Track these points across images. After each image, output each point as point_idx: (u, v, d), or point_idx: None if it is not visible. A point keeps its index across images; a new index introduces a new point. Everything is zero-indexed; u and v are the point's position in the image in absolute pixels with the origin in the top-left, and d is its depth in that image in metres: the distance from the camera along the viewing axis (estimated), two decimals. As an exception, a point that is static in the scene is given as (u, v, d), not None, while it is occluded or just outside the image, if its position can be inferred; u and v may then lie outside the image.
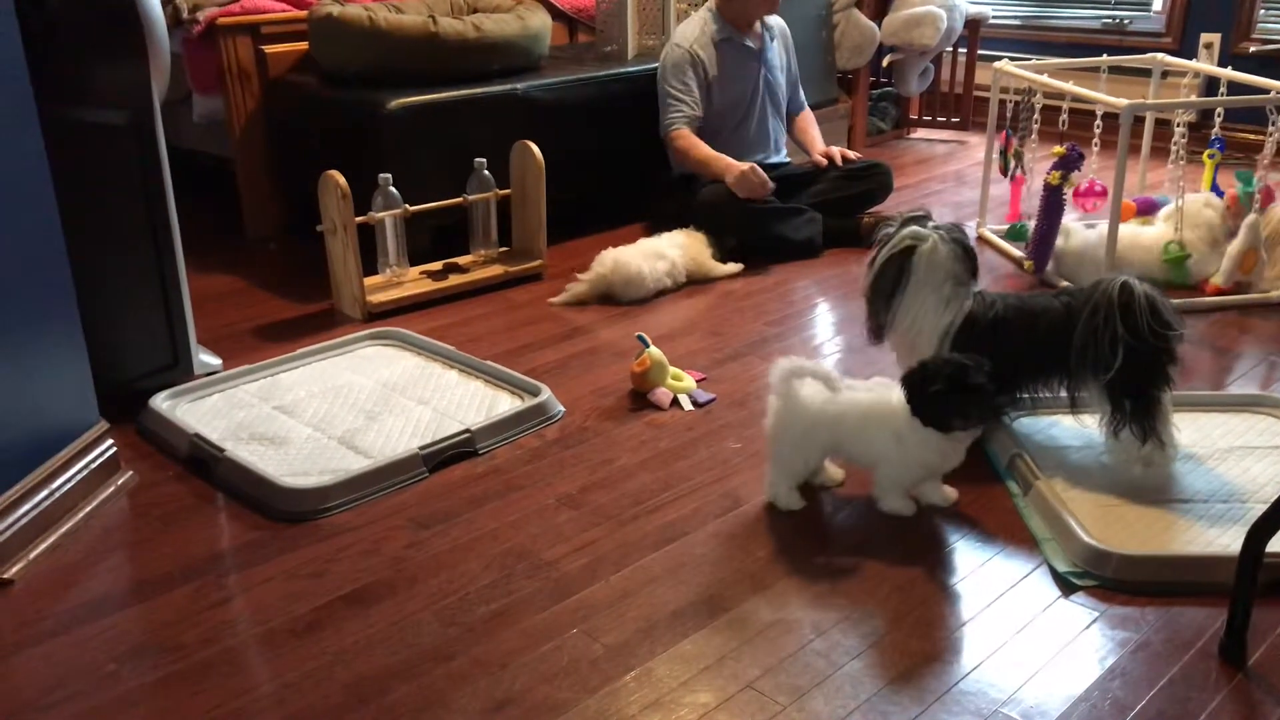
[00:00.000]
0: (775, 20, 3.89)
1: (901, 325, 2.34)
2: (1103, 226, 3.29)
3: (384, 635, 1.82)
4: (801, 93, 4.07)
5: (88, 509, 2.17)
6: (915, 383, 2.02)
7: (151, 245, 2.51)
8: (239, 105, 3.63)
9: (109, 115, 2.38)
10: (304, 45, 3.68)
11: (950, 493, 2.18)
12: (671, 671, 1.73)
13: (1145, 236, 3.32)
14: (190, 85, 3.70)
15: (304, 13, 3.63)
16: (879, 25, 4.86)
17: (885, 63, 5.16)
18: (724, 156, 3.61)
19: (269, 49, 3.64)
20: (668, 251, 3.35)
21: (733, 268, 3.48)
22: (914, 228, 2.32)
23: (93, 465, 2.21)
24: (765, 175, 3.53)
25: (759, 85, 3.81)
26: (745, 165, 3.54)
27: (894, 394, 2.07)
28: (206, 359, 2.74)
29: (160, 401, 2.52)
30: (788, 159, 3.99)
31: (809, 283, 3.44)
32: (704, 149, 3.64)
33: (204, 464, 2.32)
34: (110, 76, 2.38)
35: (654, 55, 3.95)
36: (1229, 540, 1.99)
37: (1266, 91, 3.26)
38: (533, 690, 1.69)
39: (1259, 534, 1.69)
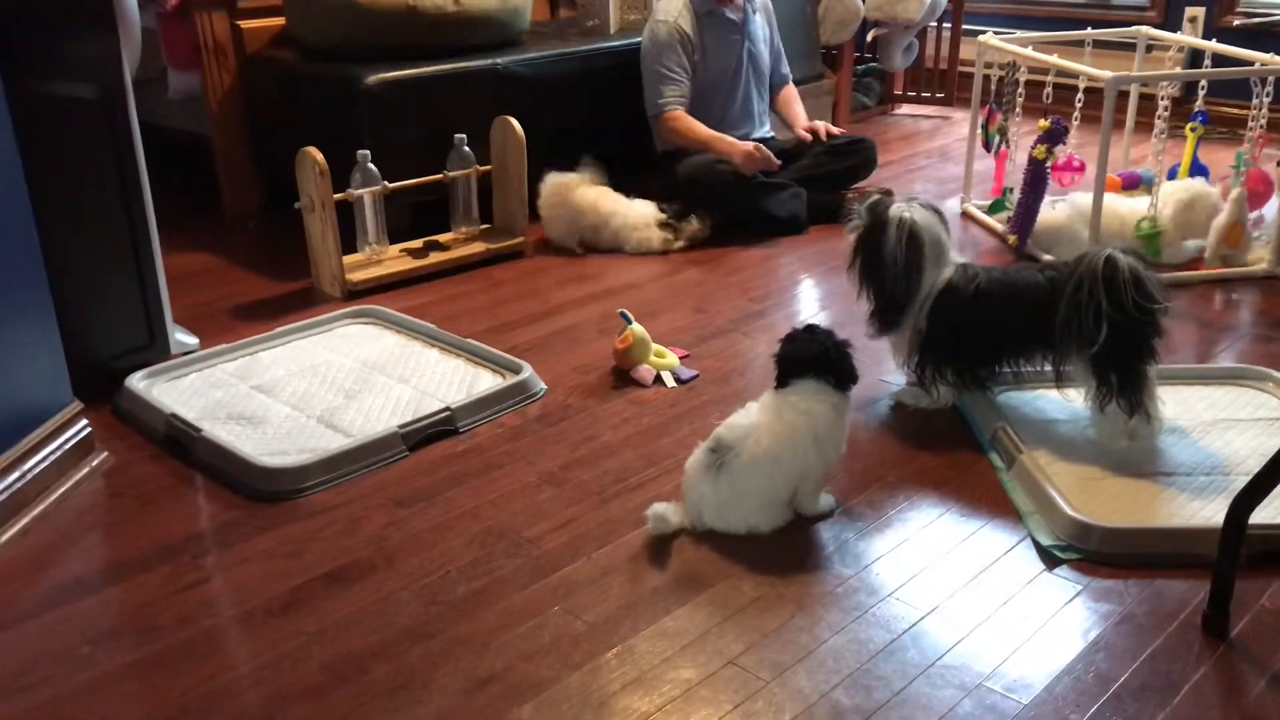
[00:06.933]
0: (757, -8, 3.85)
1: (917, 301, 2.32)
2: (1076, 198, 3.28)
3: (363, 614, 1.80)
4: (785, 65, 4.03)
5: (61, 490, 2.14)
6: (838, 353, 2.01)
7: (125, 223, 2.47)
8: (215, 81, 3.58)
9: (78, 90, 2.34)
10: (281, 20, 3.63)
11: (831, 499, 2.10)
12: (654, 648, 1.71)
13: (1113, 209, 3.29)
14: (165, 61, 3.64)
15: (280, -13, 3.58)
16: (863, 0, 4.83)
17: (869, 38, 5.12)
18: (725, 137, 3.60)
19: (245, 24, 3.59)
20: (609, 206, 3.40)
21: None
22: (898, 205, 2.31)
23: (66, 446, 2.18)
24: (769, 152, 3.55)
25: (742, 58, 3.78)
26: (749, 145, 3.55)
27: (781, 416, 1.98)
28: (183, 338, 2.71)
29: (136, 381, 2.49)
30: (771, 134, 3.96)
31: (793, 259, 3.42)
32: (703, 130, 3.62)
33: (181, 444, 2.29)
34: (79, 50, 2.34)
35: (636, 30, 3.91)
36: (1212, 512, 1.99)
37: (1251, 64, 3.25)
38: (514, 668, 1.67)
39: (1242, 506, 1.69)
